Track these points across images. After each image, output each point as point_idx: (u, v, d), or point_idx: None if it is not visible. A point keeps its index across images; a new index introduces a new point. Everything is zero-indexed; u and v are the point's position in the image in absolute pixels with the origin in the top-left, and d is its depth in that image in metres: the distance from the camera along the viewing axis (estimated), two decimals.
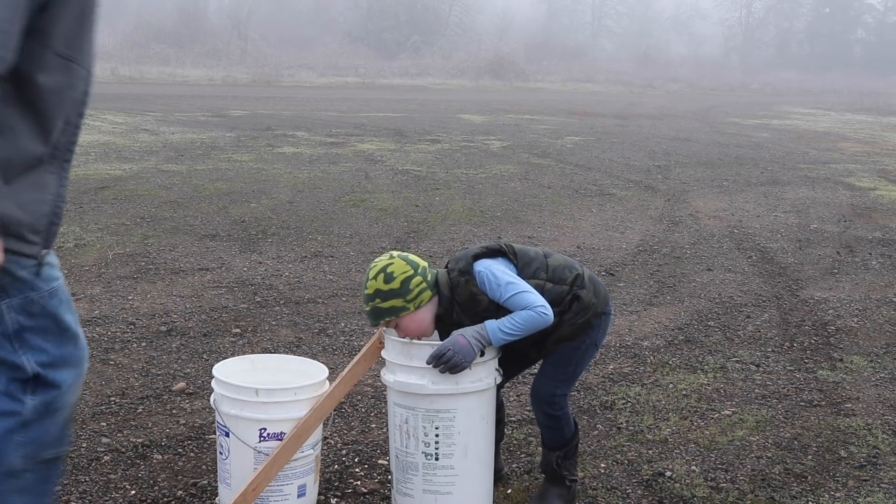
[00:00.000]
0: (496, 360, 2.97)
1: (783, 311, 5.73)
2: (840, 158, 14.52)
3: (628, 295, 5.98)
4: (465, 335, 2.83)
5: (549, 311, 2.85)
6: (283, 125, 16.33)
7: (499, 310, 2.89)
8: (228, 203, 8.61)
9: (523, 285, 2.88)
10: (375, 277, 2.88)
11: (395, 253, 2.96)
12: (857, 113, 27.13)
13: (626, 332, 5.18)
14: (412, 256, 2.95)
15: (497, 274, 2.89)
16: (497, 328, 2.84)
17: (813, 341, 5.13)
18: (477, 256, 2.95)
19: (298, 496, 2.97)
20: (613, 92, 36.54)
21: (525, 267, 2.97)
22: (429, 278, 2.92)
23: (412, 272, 2.89)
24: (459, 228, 7.94)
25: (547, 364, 3.07)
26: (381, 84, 35.58)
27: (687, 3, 75.25)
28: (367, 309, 2.93)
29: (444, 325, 2.97)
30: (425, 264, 2.96)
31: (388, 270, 2.88)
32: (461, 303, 2.93)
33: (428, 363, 2.82)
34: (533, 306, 2.83)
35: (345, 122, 16.62)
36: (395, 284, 2.86)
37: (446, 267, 3.01)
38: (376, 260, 2.95)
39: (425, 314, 2.91)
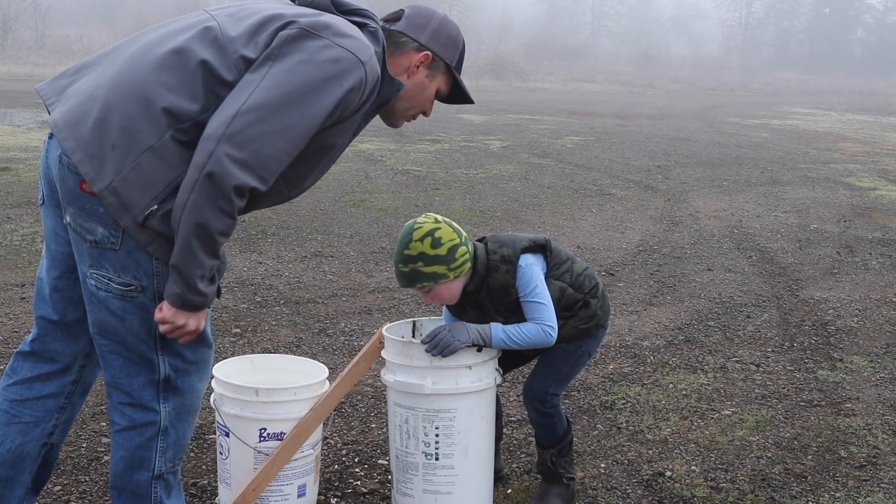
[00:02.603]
0: (496, 360, 2.98)
1: (783, 311, 5.73)
2: (840, 158, 14.52)
3: (628, 295, 5.98)
4: (466, 325, 2.85)
5: (556, 333, 2.89)
6: None
7: (520, 309, 2.90)
8: None
9: (546, 298, 2.89)
10: (421, 240, 2.79)
11: (438, 217, 2.87)
12: (857, 113, 27.13)
13: (626, 332, 5.18)
14: (455, 223, 2.89)
15: (535, 276, 2.89)
16: (501, 329, 2.86)
17: (813, 341, 5.13)
18: (525, 250, 2.93)
19: (298, 496, 2.97)
20: (613, 92, 36.52)
21: (555, 267, 2.99)
22: (470, 249, 2.89)
23: (458, 241, 2.84)
24: None
25: (542, 362, 3.10)
26: None
27: (687, 3, 75.24)
28: (405, 270, 2.83)
29: (469, 299, 2.96)
30: (466, 234, 2.91)
31: (437, 235, 2.80)
32: (492, 288, 2.92)
33: (423, 341, 2.83)
34: (542, 321, 2.86)
35: None
36: (442, 251, 2.80)
37: (483, 242, 2.98)
38: (419, 221, 2.85)
39: (460, 284, 2.90)
